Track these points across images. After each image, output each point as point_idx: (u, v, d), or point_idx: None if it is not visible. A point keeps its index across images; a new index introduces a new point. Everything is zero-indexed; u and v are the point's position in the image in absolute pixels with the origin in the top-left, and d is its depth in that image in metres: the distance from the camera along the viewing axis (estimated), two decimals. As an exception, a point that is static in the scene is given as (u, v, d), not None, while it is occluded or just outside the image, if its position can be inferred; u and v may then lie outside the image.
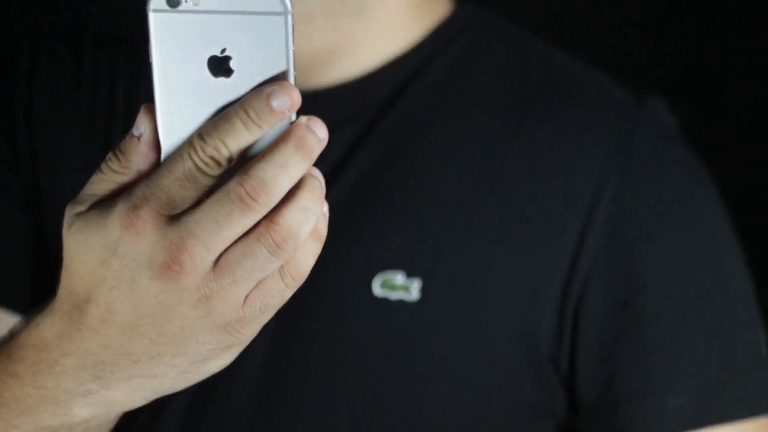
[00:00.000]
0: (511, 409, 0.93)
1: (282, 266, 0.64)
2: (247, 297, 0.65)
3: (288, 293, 0.66)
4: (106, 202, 0.65)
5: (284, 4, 0.64)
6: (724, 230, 0.95)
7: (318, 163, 0.90)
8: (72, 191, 0.86)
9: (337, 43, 0.95)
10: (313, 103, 0.93)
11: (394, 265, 0.92)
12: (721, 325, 0.92)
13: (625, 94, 0.97)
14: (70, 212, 0.67)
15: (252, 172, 0.63)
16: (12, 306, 0.97)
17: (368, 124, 0.94)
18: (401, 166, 0.93)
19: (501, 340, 0.91)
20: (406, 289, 0.91)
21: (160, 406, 0.93)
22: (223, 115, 0.64)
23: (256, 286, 0.65)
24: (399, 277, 0.91)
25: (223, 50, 0.65)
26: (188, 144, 0.64)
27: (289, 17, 0.65)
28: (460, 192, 0.93)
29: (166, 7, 0.65)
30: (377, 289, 0.92)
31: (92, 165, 0.94)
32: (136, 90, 0.98)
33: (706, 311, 0.92)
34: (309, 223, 0.64)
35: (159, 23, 0.65)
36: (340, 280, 0.92)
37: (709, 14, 1.50)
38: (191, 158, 0.63)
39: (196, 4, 0.64)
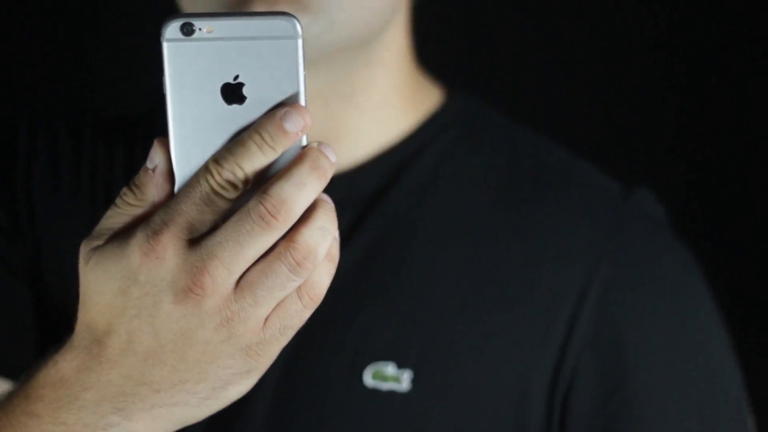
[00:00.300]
0: None
1: (300, 287, 0.65)
2: (266, 319, 0.66)
3: (306, 314, 0.67)
4: (124, 233, 0.66)
5: (295, 29, 0.66)
6: (711, 318, 0.96)
7: None
8: (73, 269, 0.91)
9: (329, 131, 0.96)
10: None
11: (385, 356, 0.91)
12: (709, 415, 0.93)
13: (613, 184, 0.98)
14: (86, 248, 0.67)
15: (271, 191, 0.64)
16: (13, 375, 0.94)
17: (359, 215, 0.95)
18: (391, 257, 0.94)
19: (491, 423, 0.92)
20: (397, 379, 0.91)
21: None
22: (238, 140, 0.65)
23: (275, 308, 0.66)
24: (390, 368, 0.91)
25: (236, 77, 0.66)
26: (204, 169, 0.65)
27: (300, 41, 0.66)
28: (451, 282, 0.93)
29: (180, 36, 0.65)
30: (368, 379, 0.91)
31: None
32: (134, 171, 0.99)
33: (693, 402, 0.92)
34: (326, 242, 0.65)
35: (173, 52, 0.65)
36: (331, 370, 0.92)
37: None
38: (208, 182, 0.65)
39: (209, 32, 0.65)
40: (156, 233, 0.65)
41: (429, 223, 0.95)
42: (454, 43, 1.48)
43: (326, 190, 0.93)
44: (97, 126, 1.03)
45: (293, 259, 0.65)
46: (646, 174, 1.16)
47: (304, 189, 0.65)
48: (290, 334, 0.67)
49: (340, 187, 0.93)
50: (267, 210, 0.64)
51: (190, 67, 0.66)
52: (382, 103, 0.98)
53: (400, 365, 0.91)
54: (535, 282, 0.93)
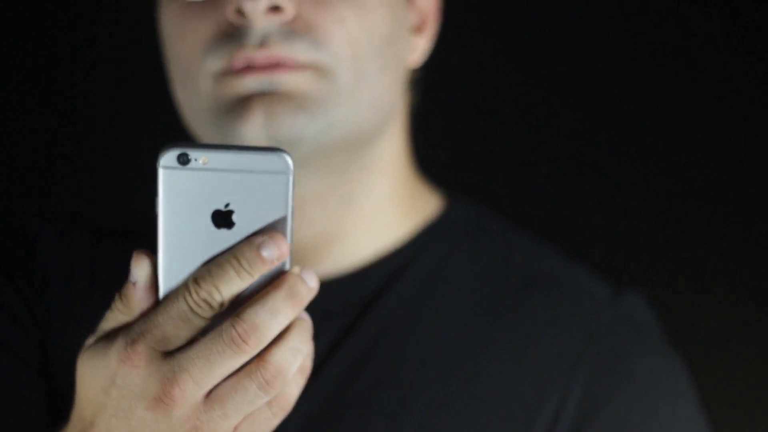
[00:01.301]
0: None
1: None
2: (236, 428, 0.68)
3: (275, 421, 0.69)
4: (109, 336, 0.70)
5: (287, 164, 0.69)
6: (693, 422, 0.96)
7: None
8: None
9: (327, 234, 0.98)
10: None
11: None
12: None
13: (601, 289, 1.00)
14: (86, 343, 0.71)
15: (245, 316, 0.67)
16: None
17: (351, 321, 0.96)
18: (380, 365, 0.95)
19: None
20: None
21: None
22: (217, 262, 0.68)
23: (244, 418, 0.68)
24: None
25: (227, 204, 0.69)
26: (184, 287, 0.68)
27: (291, 176, 0.69)
28: (438, 387, 0.94)
29: (176, 164, 0.68)
30: None
31: None
32: None
33: None
34: (297, 362, 0.68)
35: (167, 178, 0.69)
36: None
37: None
38: (186, 300, 0.68)
39: (204, 164, 0.68)
40: (133, 342, 0.68)
41: (418, 331, 0.96)
42: (454, 148, 1.50)
43: (319, 295, 0.96)
44: (111, 232, 1.07)
45: (263, 378, 0.67)
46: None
47: (278, 316, 0.67)
48: None
49: (333, 292, 0.97)
50: (238, 334, 0.66)
51: (183, 192, 0.69)
52: (380, 208, 1.00)
53: None
54: (520, 383, 0.94)
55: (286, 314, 0.67)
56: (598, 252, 1.27)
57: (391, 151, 1.00)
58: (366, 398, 0.94)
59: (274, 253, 0.68)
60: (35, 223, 1.06)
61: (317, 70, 0.92)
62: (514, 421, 0.93)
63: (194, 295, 0.68)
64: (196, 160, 0.68)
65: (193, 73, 0.93)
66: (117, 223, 1.12)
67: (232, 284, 0.68)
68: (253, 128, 0.91)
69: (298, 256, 0.97)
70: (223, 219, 0.69)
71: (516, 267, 1.00)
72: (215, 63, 0.92)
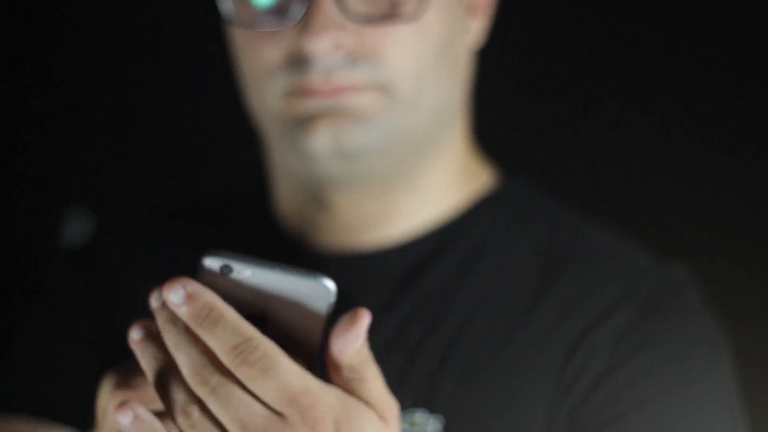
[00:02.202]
0: None
1: None
2: None
3: None
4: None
5: (329, 293, 0.69)
6: (722, 395, 0.97)
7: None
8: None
9: (383, 210, 1.02)
10: (359, 263, 1.01)
11: (414, 404, 0.96)
12: None
13: (645, 259, 1.02)
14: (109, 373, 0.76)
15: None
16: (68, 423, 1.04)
17: (399, 288, 1.00)
18: (421, 329, 0.98)
19: None
20: (424, 427, 0.95)
21: None
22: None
23: None
24: (417, 415, 0.95)
25: (262, 312, 0.70)
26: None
27: (331, 302, 0.69)
28: (474, 350, 0.97)
29: (217, 272, 0.69)
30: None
31: None
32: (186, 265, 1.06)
33: None
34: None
35: (207, 279, 0.69)
36: None
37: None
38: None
39: (246, 276, 0.69)
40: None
41: (461, 298, 1.00)
42: (509, 124, 1.53)
43: (370, 265, 1.01)
44: (173, 216, 1.12)
45: None
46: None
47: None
48: None
49: (384, 261, 1.02)
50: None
51: (220, 293, 0.69)
52: (437, 186, 1.03)
53: (431, 411, 0.96)
54: (554, 344, 0.97)
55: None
56: (647, 229, 1.29)
57: (453, 136, 1.04)
58: (407, 361, 0.97)
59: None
60: (96, 214, 1.12)
61: (379, 89, 0.97)
62: (546, 375, 0.96)
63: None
64: (238, 272, 0.69)
65: (261, 91, 0.99)
66: (169, 205, 1.16)
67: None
68: (320, 142, 0.96)
69: (354, 230, 1.02)
70: (255, 320, 0.70)
71: (562, 240, 1.03)
72: (282, 84, 0.97)
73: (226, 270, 0.69)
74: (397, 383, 0.94)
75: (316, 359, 0.70)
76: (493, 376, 0.97)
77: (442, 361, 0.97)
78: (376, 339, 0.96)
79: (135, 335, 0.70)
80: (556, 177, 1.39)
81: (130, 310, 1.05)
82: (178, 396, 0.69)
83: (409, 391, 0.96)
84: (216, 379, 0.68)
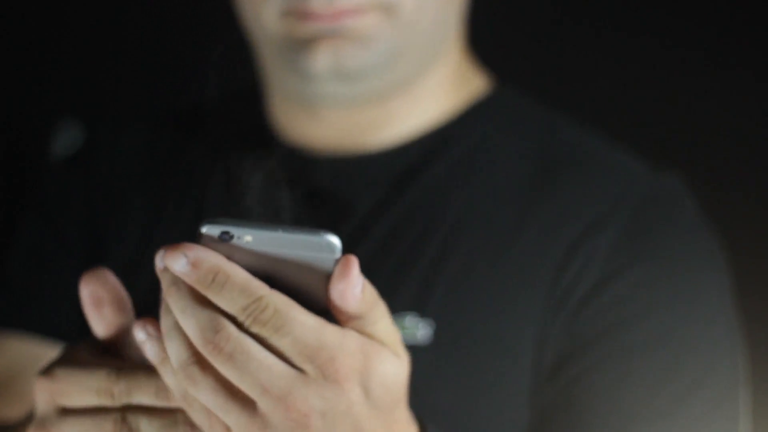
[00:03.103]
0: None
1: None
2: None
3: None
4: None
5: (334, 249, 0.67)
6: (715, 305, 0.96)
7: (350, 218, 0.98)
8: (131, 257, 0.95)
9: (378, 118, 1.02)
10: (352, 166, 1.01)
11: (405, 308, 0.96)
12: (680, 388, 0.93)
13: (641, 169, 1.01)
14: None
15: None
16: (50, 334, 1.05)
17: (395, 188, 1.00)
18: (415, 232, 0.98)
19: (512, 376, 0.95)
20: (413, 331, 0.95)
21: None
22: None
23: None
24: (408, 319, 0.95)
25: (267, 275, 0.67)
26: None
27: (337, 257, 0.67)
28: (468, 255, 0.97)
29: (217, 239, 0.66)
30: None
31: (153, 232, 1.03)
32: (211, 172, 1.04)
33: (673, 374, 0.93)
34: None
35: (206, 245, 0.66)
36: None
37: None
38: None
39: (247, 243, 0.66)
40: None
41: (455, 202, 1.00)
42: (502, 30, 1.50)
43: (363, 166, 0.99)
44: (177, 119, 1.11)
45: None
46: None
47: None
48: None
49: (377, 164, 1.01)
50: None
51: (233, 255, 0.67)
52: (432, 92, 1.03)
53: (421, 315, 0.95)
54: (548, 252, 0.96)
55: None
56: (642, 140, 1.27)
57: (448, 44, 1.03)
58: (400, 264, 0.97)
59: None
60: (91, 121, 1.11)
61: (382, 9, 0.96)
62: (539, 282, 0.95)
63: None
64: (239, 238, 0.66)
65: (257, 8, 0.97)
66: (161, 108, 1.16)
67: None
68: (320, 64, 0.95)
69: (351, 134, 1.02)
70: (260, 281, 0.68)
71: (556, 147, 1.02)
72: (280, 4, 0.96)
73: (225, 236, 0.66)
74: (388, 287, 0.93)
75: (328, 315, 0.69)
76: (484, 283, 0.97)
77: (434, 266, 0.97)
78: (368, 242, 0.98)
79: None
80: (550, 85, 1.38)
81: (123, 216, 1.07)
82: (181, 354, 0.67)
83: (400, 295, 0.96)
84: (231, 344, 0.66)
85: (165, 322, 0.67)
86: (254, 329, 0.66)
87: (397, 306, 0.95)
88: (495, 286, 0.96)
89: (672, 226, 0.99)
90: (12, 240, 1.12)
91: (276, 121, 1.06)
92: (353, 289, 0.67)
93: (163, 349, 0.69)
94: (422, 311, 0.96)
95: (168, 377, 0.69)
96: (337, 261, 0.67)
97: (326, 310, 0.68)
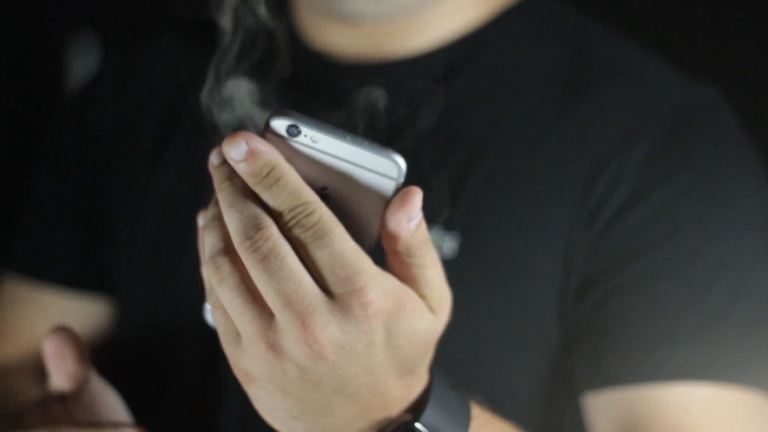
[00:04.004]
0: (542, 356, 0.94)
1: None
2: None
3: None
4: None
5: (399, 172, 0.65)
6: (754, 228, 0.94)
7: (381, 125, 0.96)
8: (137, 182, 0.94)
9: (408, 27, 0.99)
10: (381, 73, 0.98)
11: (430, 221, 0.94)
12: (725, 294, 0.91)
13: (679, 79, 0.98)
14: None
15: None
16: (58, 281, 1.06)
17: (421, 97, 0.96)
18: (447, 133, 0.96)
19: (539, 294, 0.93)
20: (440, 245, 0.93)
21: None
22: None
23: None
24: (434, 232, 0.93)
25: (324, 188, 0.65)
26: None
27: (400, 182, 0.65)
28: (496, 162, 0.95)
29: (284, 133, 0.65)
30: None
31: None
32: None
33: (713, 277, 0.91)
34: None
35: (270, 139, 0.65)
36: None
37: None
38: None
39: (314, 142, 0.64)
40: None
41: (484, 109, 0.97)
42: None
43: (392, 75, 0.95)
44: (175, 32, 1.08)
45: None
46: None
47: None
48: None
49: (405, 71, 0.98)
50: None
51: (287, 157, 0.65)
52: (462, 0, 1.00)
53: (447, 228, 0.93)
54: (579, 162, 0.94)
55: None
56: (678, 51, 1.23)
57: None
58: (425, 174, 0.93)
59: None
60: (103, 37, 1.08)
61: None
62: (567, 197, 0.93)
63: None
64: (305, 136, 0.64)
65: None
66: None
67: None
68: None
69: (384, 41, 0.99)
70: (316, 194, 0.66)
71: (588, 56, 0.99)
72: None
73: (293, 131, 0.64)
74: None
75: (375, 245, 0.66)
76: (512, 196, 0.94)
77: (460, 177, 0.95)
78: (398, 146, 0.95)
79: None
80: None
81: (135, 140, 1.05)
82: (216, 244, 0.65)
83: (426, 207, 0.93)
84: (269, 245, 0.63)
85: (209, 212, 0.66)
86: (296, 232, 0.64)
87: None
88: (522, 198, 0.94)
89: (708, 137, 0.96)
90: (28, 183, 1.12)
91: (302, 29, 1.03)
92: (410, 221, 0.65)
93: None
94: (448, 224, 0.94)
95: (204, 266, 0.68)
96: (397, 186, 0.65)
97: (373, 238, 0.66)
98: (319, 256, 0.63)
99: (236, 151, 0.64)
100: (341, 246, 0.64)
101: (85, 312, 1.06)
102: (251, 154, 0.64)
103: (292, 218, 0.63)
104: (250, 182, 0.64)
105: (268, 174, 0.64)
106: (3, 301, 1.07)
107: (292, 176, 0.64)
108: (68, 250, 1.06)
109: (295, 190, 0.64)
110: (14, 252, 1.08)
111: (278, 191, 0.64)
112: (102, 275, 1.05)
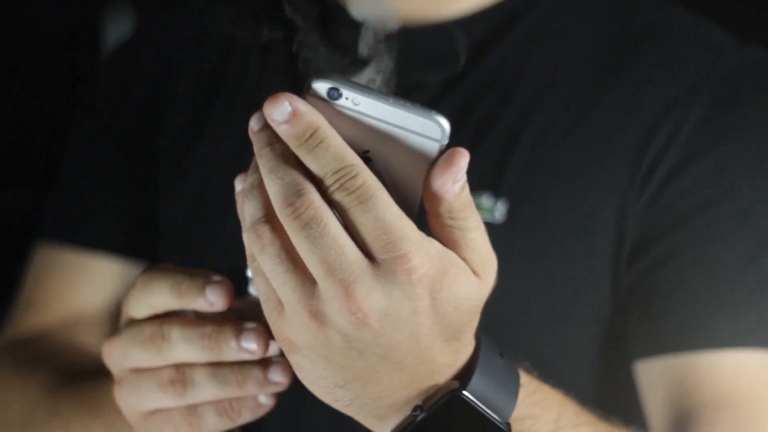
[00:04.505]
0: (594, 322, 0.93)
1: None
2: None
3: None
4: None
5: (443, 133, 0.63)
6: None
7: (420, 93, 0.94)
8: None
9: None
10: (424, 37, 0.96)
11: (481, 186, 0.92)
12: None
13: (727, 41, 0.97)
14: None
15: None
16: (111, 249, 1.04)
17: (470, 59, 0.95)
18: (488, 107, 0.94)
19: (592, 257, 0.92)
20: (491, 210, 0.92)
21: None
22: None
23: None
24: (484, 199, 0.92)
25: (366, 152, 0.64)
26: None
27: (444, 144, 0.64)
28: (545, 128, 0.93)
29: (325, 96, 0.63)
30: None
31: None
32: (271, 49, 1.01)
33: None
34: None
35: (311, 102, 0.63)
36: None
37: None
38: None
39: (356, 105, 0.63)
40: None
41: (529, 75, 0.95)
42: None
43: (435, 39, 0.95)
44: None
45: None
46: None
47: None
48: None
49: (452, 34, 0.95)
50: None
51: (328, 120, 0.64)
52: None
53: (496, 193, 0.92)
54: (628, 124, 0.92)
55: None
56: (728, 17, 1.21)
57: None
58: (472, 140, 0.93)
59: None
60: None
61: None
62: (620, 157, 0.92)
63: None
64: (347, 98, 0.63)
65: None
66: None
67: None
68: None
69: (422, 4, 0.97)
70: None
71: (635, 16, 0.97)
72: None
73: (334, 94, 0.63)
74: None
75: (418, 210, 0.65)
76: (562, 159, 0.92)
77: (508, 142, 0.93)
78: (445, 111, 0.93)
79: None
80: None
81: (175, 106, 1.04)
82: (256, 212, 0.64)
83: (474, 173, 0.92)
84: (311, 212, 0.62)
85: (249, 179, 0.65)
86: (338, 196, 0.62)
87: (471, 185, 0.91)
88: (572, 161, 0.92)
89: (762, 99, 0.94)
90: (65, 143, 1.10)
91: None
92: (455, 183, 0.63)
93: None
94: (497, 190, 0.92)
95: (244, 235, 0.66)
96: (441, 148, 0.63)
97: (416, 203, 0.65)
98: (363, 221, 0.62)
99: (279, 112, 0.62)
100: (385, 210, 0.62)
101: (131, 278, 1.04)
102: (294, 116, 0.62)
103: (336, 181, 0.62)
104: (292, 144, 0.62)
105: (311, 136, 0.62)
106: (49, 267, 1.05)
107: (335, 138, 0.62)
108: (115, 215, 1.04)
109: (338, 153, 0.62)
110: (58, 218, 1.06)
111: (321, 154, 0.62)
112: (148, 241, 1.04)
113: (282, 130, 0.62)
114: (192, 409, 0.73)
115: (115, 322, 1.01)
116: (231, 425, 0.74)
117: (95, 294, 1.03)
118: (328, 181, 0.62)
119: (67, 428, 0.88)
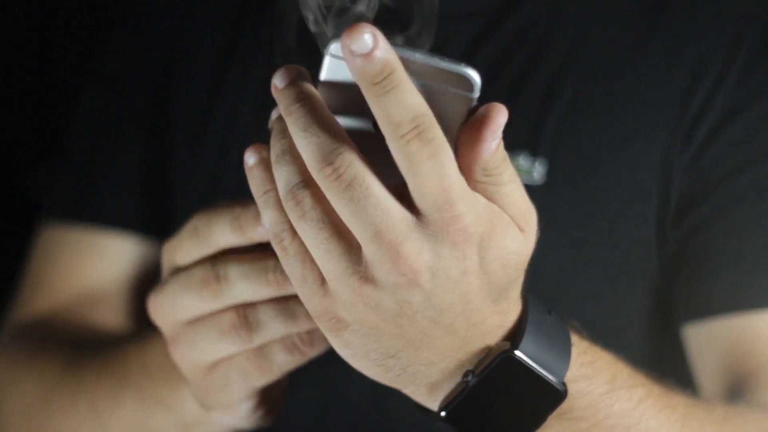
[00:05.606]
0: (640, 283, 0.91)
1: None
2: None
3: None
4: None
5: (474, 87, 0.60)
6: None
7: (449, 49, 0.91)
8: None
9: None
10: None
11: (518, 146, 0.90)
12: None
13: None
14: None
15: None
16: (128, 226, 1.00)
17: (493, 20, 0.93)
18: (521, 62, 0.92)
19: (635, 218, 0.90)
20: (529, 172, 0.89)
21: None
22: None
23: None
24: (522, 160, 0.90)
25: None
26: None
27: (474, 96, 0.60)
28: (581, 83, 0.91)
29: None
30: None
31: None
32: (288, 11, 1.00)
33: None
34: None
35: (333, 67, 0.60)
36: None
37: None
38: None
39: None
40: None
41: (567, 23, 0.92)
42: None
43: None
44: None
45: None
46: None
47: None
48: None
49: None
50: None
51: (346, 86, 0.60)
52: None
53: (534, 153, 0.89)
54: (669, 79, 0.90)
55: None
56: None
57: None
58: (507, 98, 0.88)
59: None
60: None
61: None
62: (663, 109, 0.89)
63: None
64: None
65: None
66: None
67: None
68: None
69: None
70: None
71: None
72: None
73: None
74: None
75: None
76: (601, 116, 0.90)
77: (544, 100, 0.90)
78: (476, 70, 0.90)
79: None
80: None
81: (192, 67, 1.01)
82: (292, 178, 0.60)
83: (509, 133, 0.89)
84: (352, 171, 0.58)
85: (277, 146, 0.60)
86: (413, 146, 0.57)
87: (506, 144, 0.88)
88: (612, 118, 0.90)
89: None
90: (76, 110, 1.06)
91: None
92: (491, 141, 0.59)
93: (269, 178, 0.62)
94: (534, 150, 0.89)
95: (267, 213, 0.62)
96: (472, 103, 0.60)
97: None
98: (428, 175, 0.58)
99: (359, 44, 0.56)
100: (451, 168, 0.58)
101: (149, 255, 1.01)
102: (375, 49, 0.56)
103: (412, 129, 0.57)
104: (364, 83, 0.57)
105: (388, 76, 0.57)
106: (57, 246, 1.01)
107: (409, 84, 0.57)
108: (127, 189, 1.00)
109: (414, 100, 0.57)
110: (66, 193, 1.02)
111: (395, 98, 0.57)
112: (161, 217, 1.01)
113: (355, 65, 0.56)
114: (258, 352, 0.70)
115: (133, 301, 0.99)
116: (302, 360, 0.71)
117: (108, 272, 0.99)
118: (403, 129, 0.57)
119: (92, 402, 0.84)
